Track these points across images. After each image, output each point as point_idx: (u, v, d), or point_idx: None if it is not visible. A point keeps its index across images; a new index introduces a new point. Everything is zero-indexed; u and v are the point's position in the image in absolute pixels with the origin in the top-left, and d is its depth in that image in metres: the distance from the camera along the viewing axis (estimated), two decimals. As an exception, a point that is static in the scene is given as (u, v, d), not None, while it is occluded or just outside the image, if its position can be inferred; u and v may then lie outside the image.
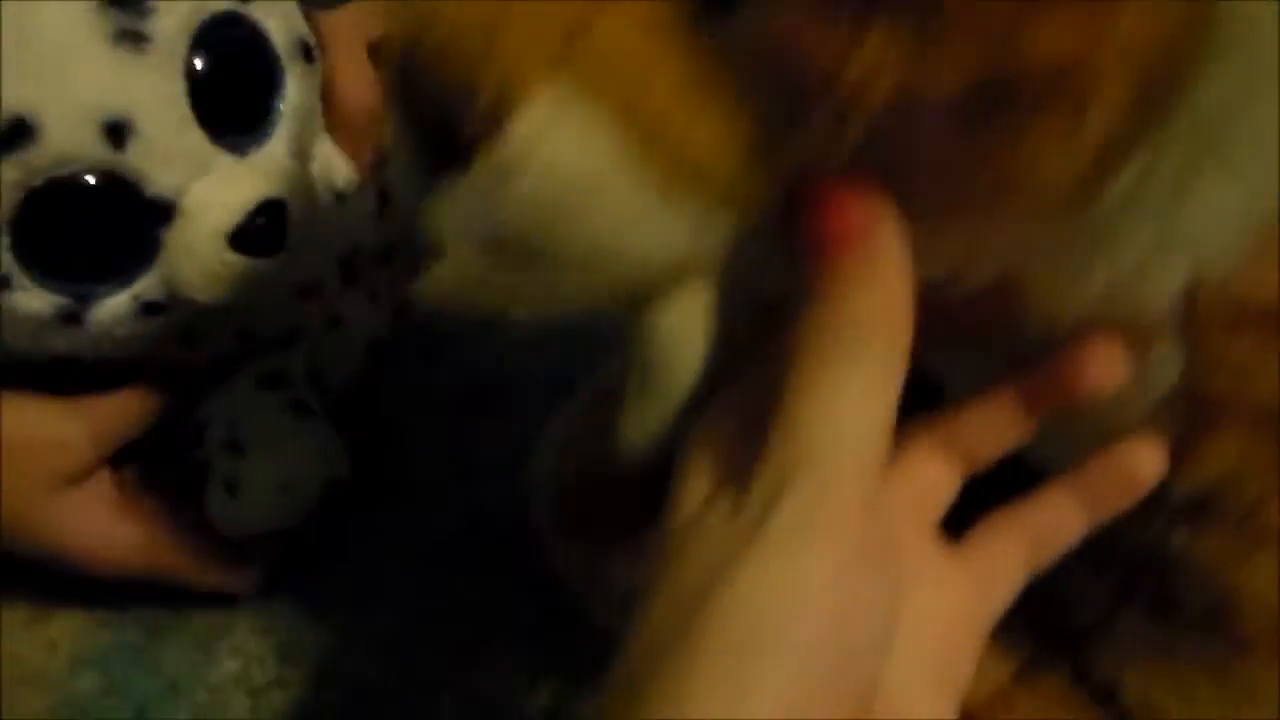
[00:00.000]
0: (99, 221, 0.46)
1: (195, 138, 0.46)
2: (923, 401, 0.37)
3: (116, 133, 0.44)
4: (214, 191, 0.46)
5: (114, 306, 0.47)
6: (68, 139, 0.44)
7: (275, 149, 0.49)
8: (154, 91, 0.45)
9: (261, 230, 0.46)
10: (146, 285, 0.46)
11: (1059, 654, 0.44)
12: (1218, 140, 0.29)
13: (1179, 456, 0.37)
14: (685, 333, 0.34)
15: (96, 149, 0.44)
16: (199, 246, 0.45)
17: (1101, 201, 0.30)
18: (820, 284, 0.31)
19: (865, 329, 0.31)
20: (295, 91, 0.50)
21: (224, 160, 0.47)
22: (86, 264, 0.46)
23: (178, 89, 0.46)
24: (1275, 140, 0.29)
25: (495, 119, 0.30)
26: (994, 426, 0.36)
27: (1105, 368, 0.34)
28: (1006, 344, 0.36)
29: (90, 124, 0.44)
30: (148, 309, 0.47)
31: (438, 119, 0.31)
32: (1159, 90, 0.29)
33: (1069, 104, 0.28)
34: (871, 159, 0.30)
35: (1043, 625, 0.43)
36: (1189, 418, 0.36)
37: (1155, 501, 0.38)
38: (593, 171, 0.30)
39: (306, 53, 0.51)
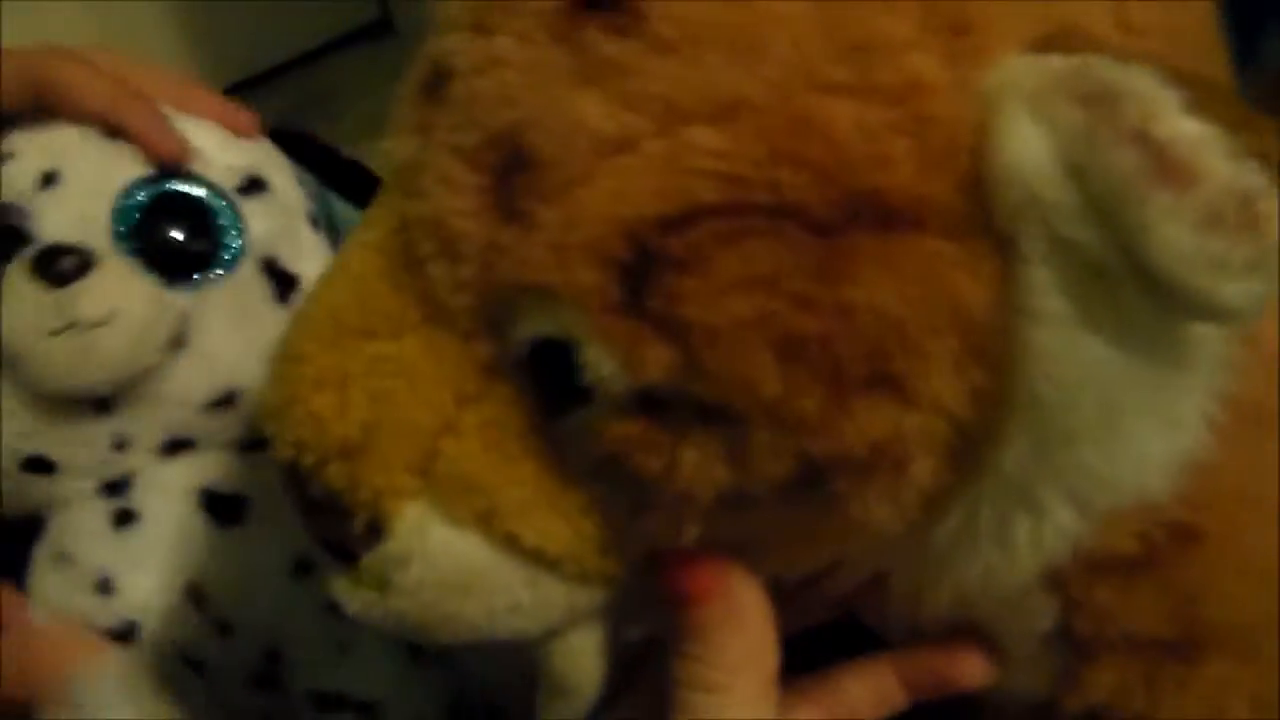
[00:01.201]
0: None
1: (102, 230, 0.47)
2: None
3: (49, 178, 0.47)
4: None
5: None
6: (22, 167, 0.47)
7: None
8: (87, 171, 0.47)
9: (54, 262, 0.45)
10: None
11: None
12: (1024, 495, 0.31)
13: (1064, 684, 0.39)
14: (582, 655, 0.37)
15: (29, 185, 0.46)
16: (13, 275, 0.45)
17: (933, 537, 0.33)
18: (687, 632, 0.34)
19: (731, 672, 0.34)
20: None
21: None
22: None
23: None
24: (1086, 484, 0.31)
25: (374, 526, 0.33)
26: (872, 700, 0.38)
27: (974, 668, 0.38)
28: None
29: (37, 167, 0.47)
30: None
31: (322, 517, 0.34)
32: (970, 452, 0.31)
33: (888, 470, 0.30)
34: (713, 534, 0.32)
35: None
36: (1067, 652, 0.38)
37: (1049, 715, 0.40)
38: (464, 569, 0.33)
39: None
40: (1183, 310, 0.28)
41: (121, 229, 0.47)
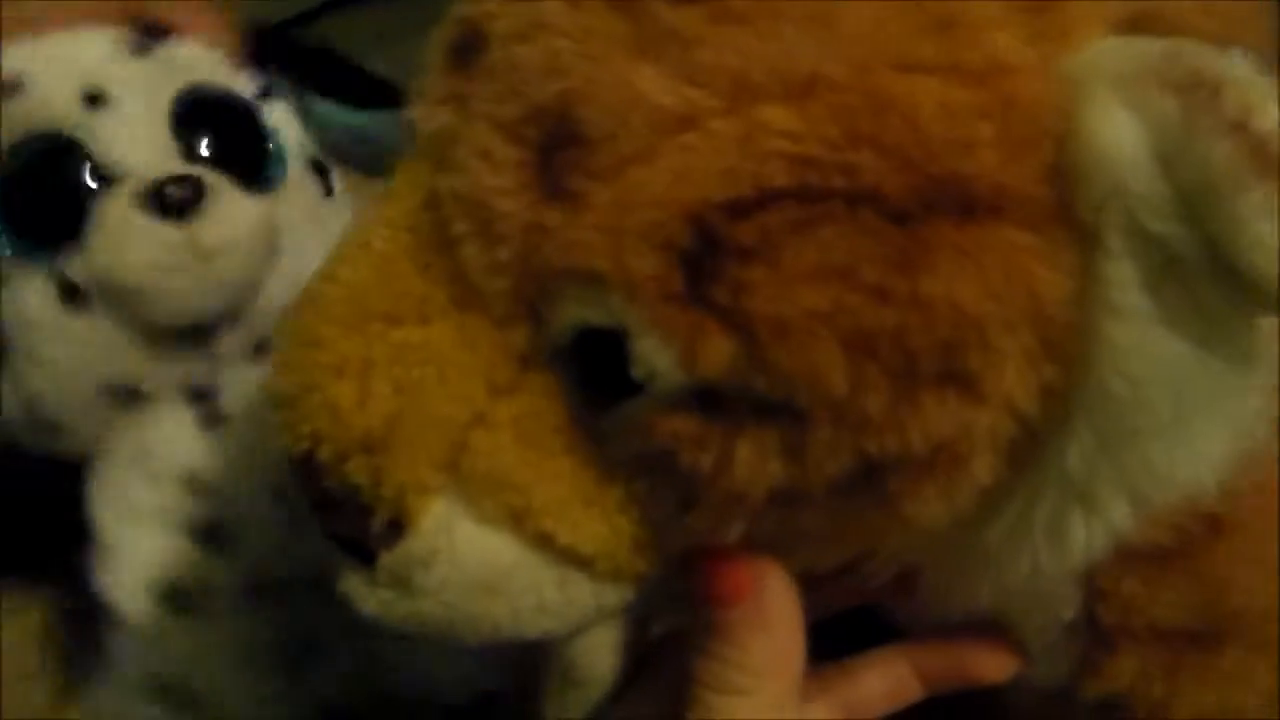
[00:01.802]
0: (48, 176, 0.44)
1: (170, 151, 0.45)
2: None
3: (94, 98, 0.43)
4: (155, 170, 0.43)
5: (38, 281, 0.43)
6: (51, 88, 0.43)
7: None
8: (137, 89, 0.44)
9: (172, 194, 0.42)
10: (72, 262, 0.43)
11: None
12: (1085, 492, 0.30)
13: (1083, 672, 0.38)
14: (600, 649, 0.35)
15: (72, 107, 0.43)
16: (114, 208, 0.42)
17: (980, 538, 0.31)
18: (714, 631, 0.33)
19: (756, 676, 0.33)
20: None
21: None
22: (34, 219, 0.43)
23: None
24: (1147, 481, 0.30)
25: (395, 523, 0.30)
26: (888, 693, 0.37)
27: (996, 663, 0.37)
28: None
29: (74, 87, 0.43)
30: (67, 292, 0.43)
31: (338, 512, 0.31)
32: (1029, 448, 0.29)
33: (948, 467, 0.29)
34: (757, 532, 0.30)
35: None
36: (1089, 640, 0.37)
37: (1066, 702, 0.39)
38: (491, 569, 0.31)
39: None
40: (1264, 307, 0.27)
41: (186, 143, 0.44)
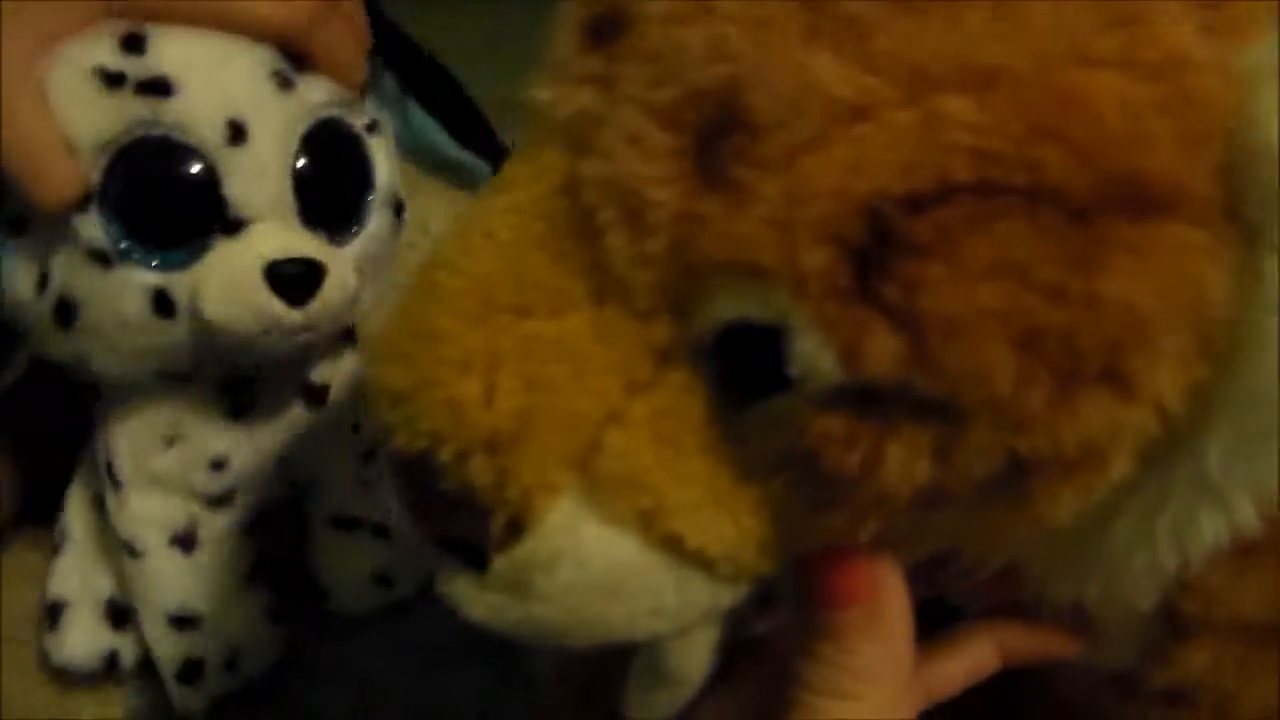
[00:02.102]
0: (176, 193, 0.44)
1: (287, 197, 0.45)
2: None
3: (237, 131, 0.44)
4: (276, 232, 0.45)
5: (136, 281, 0.44)
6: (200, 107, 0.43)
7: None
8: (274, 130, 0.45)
9: (296, 277, 0.44)
10: (175, 279, 0.44)
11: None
12: (1218, 491, 0.29)
13: (1153, 659, 0.38)
14: (697, 647, 0.33)
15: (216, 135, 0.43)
16: (237, 262, 0.44)
17: (1099, 535, 0.31)
18: (827, 632, 0.32)
19: (867, 681, 0.32)
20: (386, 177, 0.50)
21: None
22: (152, 226, 0.44)
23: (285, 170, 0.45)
24: (1274, 481, 0.29)
25: (514, 524, 0.29)
26: (970, 673, 0.37)
27: (1074, 643, 0.37)
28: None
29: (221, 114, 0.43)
30: (160, 303, 0.44)
31: (450, 514, 0.29)
32: (1164, 447, 0.29)
33: (1090, 468, 0.28)
34: (886, 534, 0.29)
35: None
36: (1165, 629, 0.37)
37: (1129, 686, 0.39)
38: (615, 571, 0.29)
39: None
40: None
41: (303, 199, 0.46)
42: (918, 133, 0.25)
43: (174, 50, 0.43)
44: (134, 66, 0.42)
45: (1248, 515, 0.30)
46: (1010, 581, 0.35)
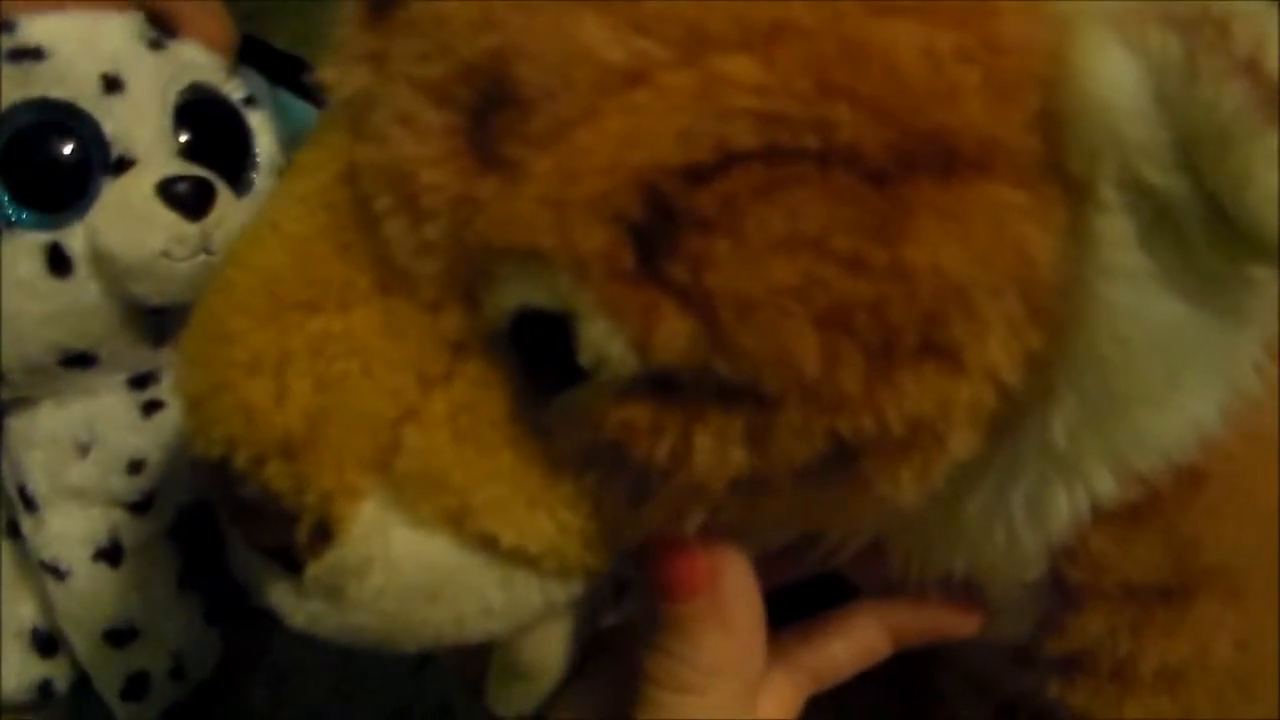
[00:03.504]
0: (59, 146, 0.43)
1: (170, 139, 0.44)
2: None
3: (112, 82, 0.43)
4: (163, 163, 0.43)
5: (28, 243, 0.43)
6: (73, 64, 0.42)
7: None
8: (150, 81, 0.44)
9: (189, 193, 0.42)
10: (68, 232, 0.43)
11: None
12: (1068, 463, 0.26)
13: (1047, 628, 0.35)
14: (550, 641, 0.31)
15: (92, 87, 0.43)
16: (130, 189, 0.42)
17: (955, 512, 0.28)
18: (669, 624, 0.29)
19: (711, 674, 0.29)
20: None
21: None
22: (41, 188, 0.43)
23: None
24: (1134, 448, 0.27)
25: (322, 529, 0.26)
26: (857, 655, 0.34)
27: (965, 618, 0.34)
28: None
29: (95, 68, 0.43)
30: (55, 260, 0.42)
31: (258, 522, 0.27)
32: (1008, 420, 0.26)
33: (925, 446, 0.25)
34: (717, 521, 0.27)
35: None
36: (1056, 598, 0.34)
37: (1026, 658, 0.36)
38: (431, 574, 0.27)
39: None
40: (1265, 262, 0.24)
41: (187, 141, 0.44)
42: (695, 97, 0.22)
43: (42, 24, 0.42)
44: (4, 42, 0.41)
45: (1105, 484, 0.28)
46: (877, 560, 0.32)
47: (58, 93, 0.42)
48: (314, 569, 0.27)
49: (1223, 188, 0.23)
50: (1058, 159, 0.23)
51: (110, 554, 0.47)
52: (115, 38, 0.43)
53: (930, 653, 0.37)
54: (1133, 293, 0.24)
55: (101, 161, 0.43)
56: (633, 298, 0.23)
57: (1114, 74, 0.23)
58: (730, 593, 0.29)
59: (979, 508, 0.28)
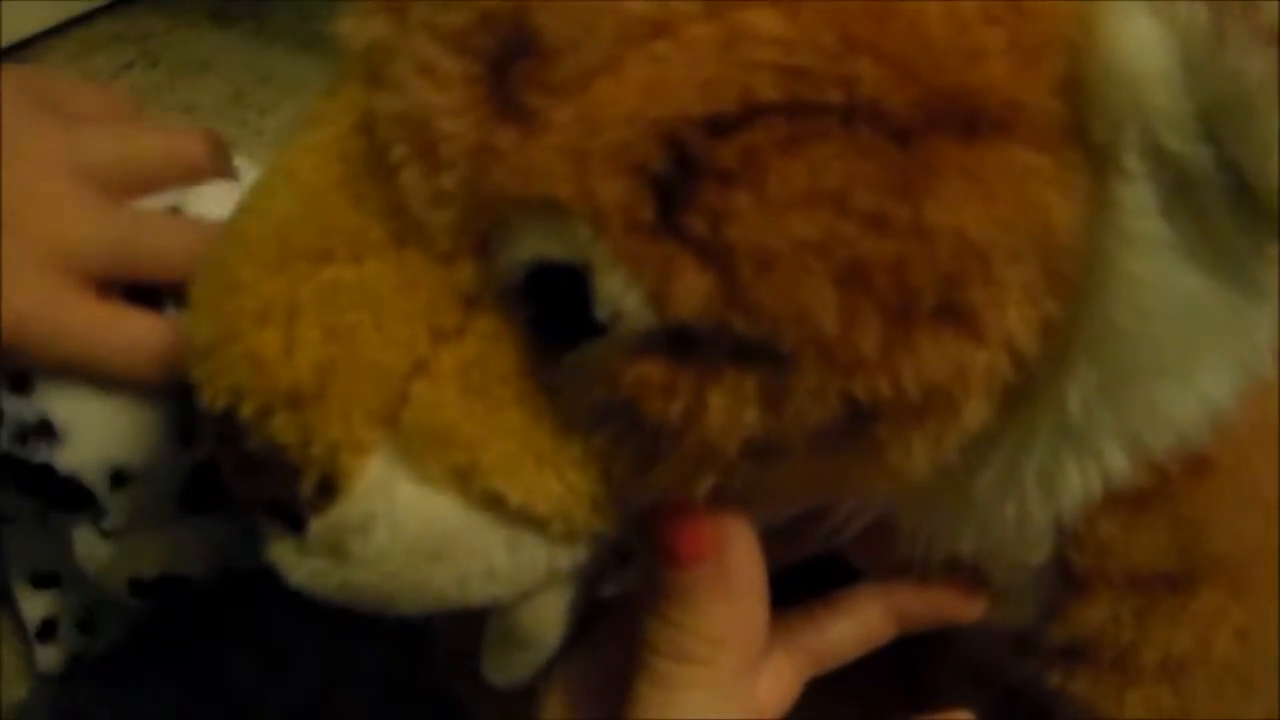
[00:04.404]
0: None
1: None
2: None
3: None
4: None
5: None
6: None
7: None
8: None
9: None
10: None
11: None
12: (1082, 437, 0.26)
13: (1050, 614, 0.35)
14: (550, 608, 0.31)
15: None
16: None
17: (965, 486, 0.27)
18: (673, 592, 0.29)
19: (714, 644, 0.28)
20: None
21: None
22: None
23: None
24: (1148, 425, 0.26)
25: (326, 484, 0.26)
26: (860, 639, 0.33)
27: (969, 603, 0.33)
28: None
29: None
30: None
31: (262, 475, 0.26)
32: (1023, 391, 0.26)
33: (940, 413, 0.25)
34: (728, 486, 0.26)
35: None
36: (1060, 584, 0.34)
37: (1028, 645, 0.36)
38: (436, 533, 0.26)
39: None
40: None
41: None
42: (719, 49, 0.22)
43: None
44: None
45: (1119, 463, 0.27)
46: (885, 539, 0.31)
47: None
48: (317, 525, 0.26)
49: (1244, 158, 0.22)
50: (1081, 125, 0.23)
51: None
52: None
53: (930, 642, 0.37)
54: (1152, 263, 0.24)
55: None
56: (651, 250, 0.23)
57: (1140, 40, 0.22)
58: (736, 562, 0.28)
59: (990, 483, 0.28)
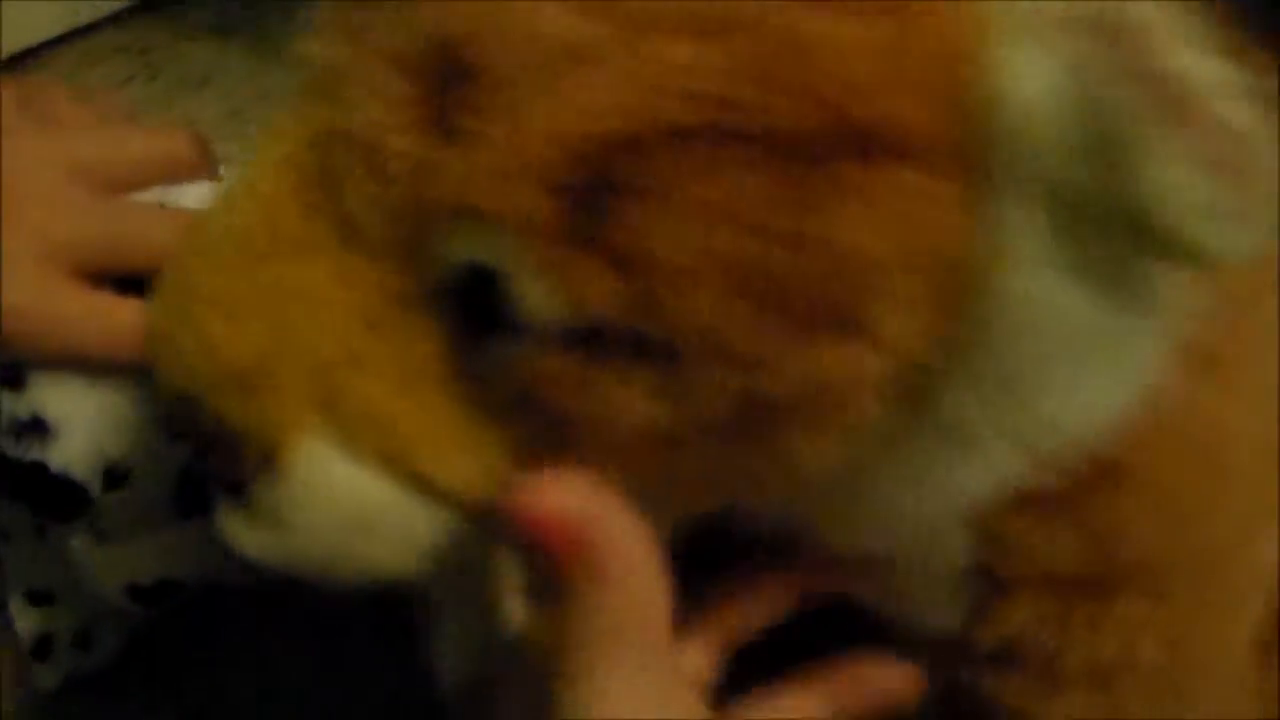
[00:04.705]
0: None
1: None
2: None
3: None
4: None
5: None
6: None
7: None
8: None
9: None
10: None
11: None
12: (971, 438, 0.28)
13: (977, 619, 0.36)
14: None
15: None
16: None
17: (869, 482, 0.29)
18: (563, 586, 0.28)
19: (613, 632, 0.27)
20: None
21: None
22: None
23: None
24: (1035, 429, 0.28)
25: (267, 458, 0.28)
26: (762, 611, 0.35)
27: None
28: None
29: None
30: None
31: (214, 450, 0.29)
32: (915, 393, 0.27)
33: (834, 411, 0.27)
34: (635, 478, 0.28)
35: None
36: (982, 587, 0.35)
37: (961, 651, 0.37)
38: (367, 509, 0.29)
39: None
40: (1163, 255, 0.25)
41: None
42: (640, 77, 0.24)
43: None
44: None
45: (1010, 464, 0.29)
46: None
47: None
48: (260, 495, 0.29)
49: (1123, 184, 0.24)
50: (974, 150, 0.25)
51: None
52: None
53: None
54: (1035, 280, 0.26)
55: None
56: (569, 258, 0.25)
57: (1027, 73, 0.24)
58: (609, 547, 0.27)
59: (888, 481, 0.29)
